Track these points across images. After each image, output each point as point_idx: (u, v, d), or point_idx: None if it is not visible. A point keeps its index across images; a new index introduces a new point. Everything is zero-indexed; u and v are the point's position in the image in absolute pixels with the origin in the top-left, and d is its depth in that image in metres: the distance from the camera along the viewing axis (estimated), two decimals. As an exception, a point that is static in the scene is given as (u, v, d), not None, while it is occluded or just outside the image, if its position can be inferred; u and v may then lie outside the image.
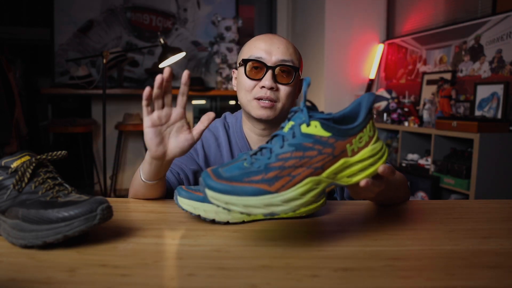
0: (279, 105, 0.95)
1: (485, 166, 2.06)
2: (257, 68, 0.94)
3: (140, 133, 3.67)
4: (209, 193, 0.53)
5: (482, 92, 2.36)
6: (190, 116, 3.84)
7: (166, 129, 0.74)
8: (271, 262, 0.52)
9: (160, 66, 3.04)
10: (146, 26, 3.83)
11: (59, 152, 0.64)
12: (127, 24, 3.79)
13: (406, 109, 2.85)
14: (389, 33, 3.48)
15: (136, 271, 0.49)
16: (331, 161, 0.56)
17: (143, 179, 0.80)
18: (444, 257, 0.55)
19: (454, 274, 0.49)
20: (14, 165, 0.60)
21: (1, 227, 0.59)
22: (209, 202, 0.67)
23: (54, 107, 4.61)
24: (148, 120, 0.72)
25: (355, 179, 0.58)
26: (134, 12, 3.80)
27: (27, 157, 0.61)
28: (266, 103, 0.93)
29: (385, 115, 2.96)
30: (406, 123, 2.75)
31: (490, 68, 2.39)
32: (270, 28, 4.41)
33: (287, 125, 0.57)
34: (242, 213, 0.52)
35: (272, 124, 0.99)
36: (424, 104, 2.66)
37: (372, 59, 3.47)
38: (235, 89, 1.02)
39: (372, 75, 3.45)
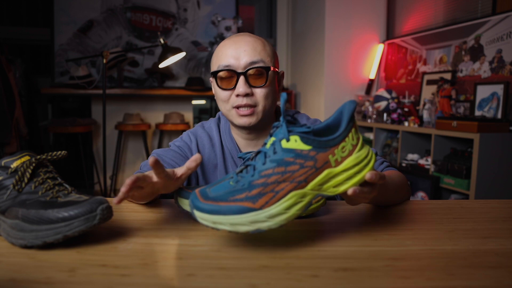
0: (259, 108, 0.93)
1: (485, 166, 2.06)
2: (228, 77, 0.92)
3: (140, 133, 3.67)
4: (197, 214, 0.54)
5: (482, 92, 2.36)
6: (190, 116, 3.84)
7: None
8: (271, 262, 0.52)
9: (160, 66, 3.04)
10: (146, 26, 3.83)
11: (59, 152, 0.64)
12: (127, 24, 3.79)
13: (406, 109, 2.85)
14: (389, 33, 3.48)
15: (136, 271, 0.49)
16: (314, 174, 0.56)
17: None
18: (444, 257, 0.55)
19: (454, 274, 0.49)
20: (14, 165, 0.60)
21: (1, 227, 0.59)
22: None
23: (54, 107, 4.61)
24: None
25: (341, 188, 0.58)
26: (134, 12, 3.80)
27: (27, 157, 0.61)
28: (245, 110, 0.92)
29: (385, 115, 2.96)
30: (406, 123, 2.75)
31: (490, 68, 2.39)
32: (270, 28, 4.41)
33: (269, 141, 0.58)
34: (230, 231, 0.53)
35: (256, 128, 0.97)
36: (424, 104, 2.67)
37: (372, 59, 3.47)
38: (214, 96, 1.00)
39: (372, 75, 3.44)
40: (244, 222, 0.53)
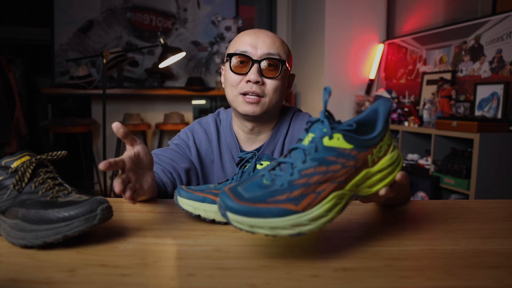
0: (266, 99, 0.94)
1: (485, 166, 2.06)
2: (243, 62, 0.93)
3: (140, 133, 3.67)
4: (231, 216, 0.49)
5: (482, 92, 2.36)
6: (190, 116, 3.84)
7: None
8: (271, 262, 0.52)
9: (160, 66, 3.04)
10: (146, 26, 3.83)
11: (59, 152, 0.64)
12: (127, 24, 3.79)
13: (406, 109, 2.85)
14: (389, 33, 3.48)
15: (136, 271, 0.49)
16: (353, 174, 0.54)
17: None
18: (444, 257, 0.55)
19: (454, 274, 0.49)
20: (14, 165, 0.60)
21: (1, 227, 0.59)
22: (209, 202, 0.68)
23: (54, 107, 4.61)
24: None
25: (374, 188, 0.57)
26: (134, 12, 3.80)
27: (27, 157, 0.61)
28: (252, 98, 0.92)
29: (385, 115, 2.95)
30: (406, 123, 2.75)
31: (490, 68, 2.39)
32: (270, 28, 4.41)
33: (307, 138, 0.54)
34: (267, 235, 0.49)
35: (260, 122, 0.98)
36: (424, 104, 2.67)
37: (372, 59, 3.47)
38: (223, 86, 1.01)
39: (372, 75, 3.44)
40: (285, 226, 0.48)
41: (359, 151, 0.55)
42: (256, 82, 0.92)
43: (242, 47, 0.93)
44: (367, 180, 0.56)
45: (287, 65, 0.95)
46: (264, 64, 0.92)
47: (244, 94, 0.93)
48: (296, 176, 0.51)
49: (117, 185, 0.63)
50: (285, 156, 0.55)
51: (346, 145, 0.54)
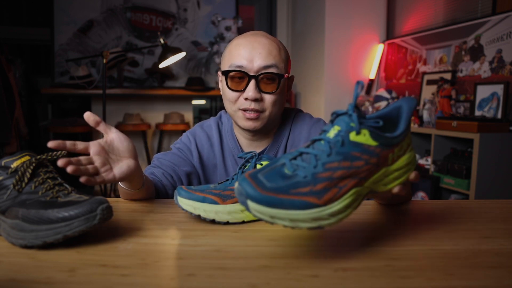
0: (265, 114, 0.92)
1: (485, 166, 2.06)
2: (239, 78, 0.90)
3: (140, 133, 3.67)
4: (252, 205, 0.48)
5: (482, 92, 2.36)
6: (190, 116, 3.84)
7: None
8: (271, 262, 0.52)
9: (160, 66, 3.04)
10: (146, 26, 3.83)
11: (59, 152, 0.64)
12: (127, 24, 3.79)
13: (406, 109, 2.85)
14: (389, 33, 3.48)
15: (136, 271, 0.49)
16: (374, 171, 0.54)
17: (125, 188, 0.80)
18: (444, 257, 0.55)
19: (454, 274, 0.49)
20: (14, 165, 0.60)
21: (1, 227, 0.59)
22: (209, 202, 0.68)
23: (54, 107, 4.60)
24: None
25: (390, 186, 0.58)
26: (134, 12, 3.80)
27: (27, 157, 0.61)
28: (252, 114, 0.90)
29: (385, 115, 2.95)
30: (406, 123, 2.74)
31: (490, 68, 2.39)
32: (270, 28, 4.41)
33: (332, 130, 0.53)
34: (286, 226, 0.49)
35: (261, 131, 0.97)
36: (424, 104, 2.67)
37: (372, 59, 3.47)
38: (221, 92, 0.98)
39: (372, 75, 3.44)
40: (306, 219, 0.48)
41: (383, 149, 0.54)
42: (255, 100, 0.89)
43: (237, 61, 0.89)
44: (385, 177, 0.56)
45: (286, 75, 0.92)
46: (261, 79, 0.89)
47: (244, 110, 0.91)
48: (320, 169, 0.50)
49: (61, 162, 0.61)
50: (308, 146, 0.53)
51: (372, 142, 0.53)
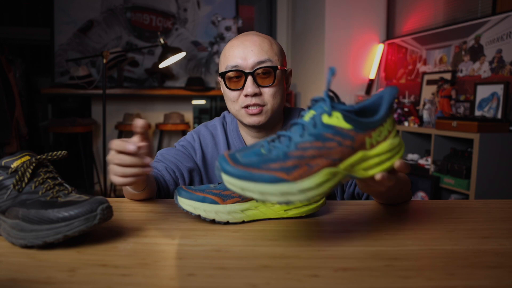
0: (268, 107, 0.94)
1: (485, 166, 2.06)
2: (237, 77, 0.93)
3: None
4: (225, 178, 0.53)
5: (482, 92, 2.36)
6: (190, 116, 3.84)
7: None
8: (271, 262, 0.52)
9: (160, 66, 3.04)
10: (146, 26, 3.83)
11: (59, 152, 0.64)
12: (127, 24, 3.79)
13: (406, 109, 2.85)
14: (389, 33, 3.48)
15: (136, 271, 0.49)
16: (349, 153, 0.56)
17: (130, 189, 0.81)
18: (444, 257, 0.55)
19: (454, 274, 0.49)
20: (14, 165, 0.60)
21: (1, 227, 0.59)
22: (209, 202, 0.68)
23: (54, 107, 4.61)
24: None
25: (371, 172, 0.58)
26: (134, 12, 3.80)
27: (27, 157, 0.61)
28: (254, 109, 0.93)
29: (385, 115, 2.95)
30: (406, 123, 2.75)
31: (490, 68, 2.39)
32: (270, 28, 4.41)
33: (308, 114, 0.57)
34: (257, 200, 0.52)
35: (265, 127, 0.98)
36: (424, 104, 2.67)
37: (372, 59, 3.47)
38: (223, 95, 1.00)
39: (372, 75, 3.44)
40: (275, 193, 0.51)
41: (357, 132, 0.56)
42: (254, 95, 0.92)
43: (232, 61, 0.92)
44: (363, 162, 0.57)
45: (280, 67, 0.94)
46: (257, 74, 0.92)
47: (246, 107, 0.93)
48: (292, 148, 0.54)
49: (131, 146, 0.64)
50: (286, 130, 0.57)
51: (345, 125, 0.55)
